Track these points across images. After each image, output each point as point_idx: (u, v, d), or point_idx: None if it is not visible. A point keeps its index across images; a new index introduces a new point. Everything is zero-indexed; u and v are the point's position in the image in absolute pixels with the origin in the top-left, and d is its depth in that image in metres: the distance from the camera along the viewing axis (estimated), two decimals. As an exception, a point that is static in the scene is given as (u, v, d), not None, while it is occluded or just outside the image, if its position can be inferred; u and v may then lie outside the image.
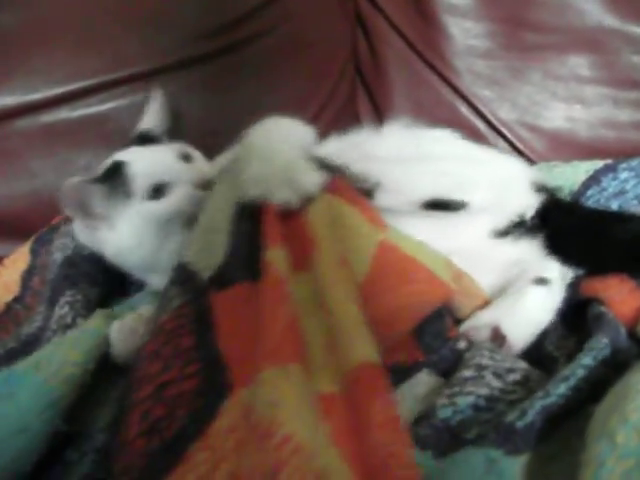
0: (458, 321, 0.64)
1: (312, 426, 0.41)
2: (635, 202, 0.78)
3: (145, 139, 0.79)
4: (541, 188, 0.73)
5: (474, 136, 1.08)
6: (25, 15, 0.92)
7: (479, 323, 0.62)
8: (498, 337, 0.60)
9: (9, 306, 0.78)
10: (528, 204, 0.71)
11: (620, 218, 0.72)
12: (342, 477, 0.39)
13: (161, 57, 0.96)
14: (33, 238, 0.84)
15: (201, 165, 0.76)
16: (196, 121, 0.94)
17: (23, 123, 0.93)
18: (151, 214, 0.70)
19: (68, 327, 0.66)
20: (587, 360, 0.51)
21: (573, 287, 0.67)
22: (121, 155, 0.74)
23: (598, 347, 0.53)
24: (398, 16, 1.11)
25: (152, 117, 0.82)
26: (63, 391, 0.53)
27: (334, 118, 1.09)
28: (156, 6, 0.96)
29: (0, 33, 0.92)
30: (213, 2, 0.99)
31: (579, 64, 1.07)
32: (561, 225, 0.71)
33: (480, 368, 0.54)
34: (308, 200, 0.59)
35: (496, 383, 0.52)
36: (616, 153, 0.94)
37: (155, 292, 0.70)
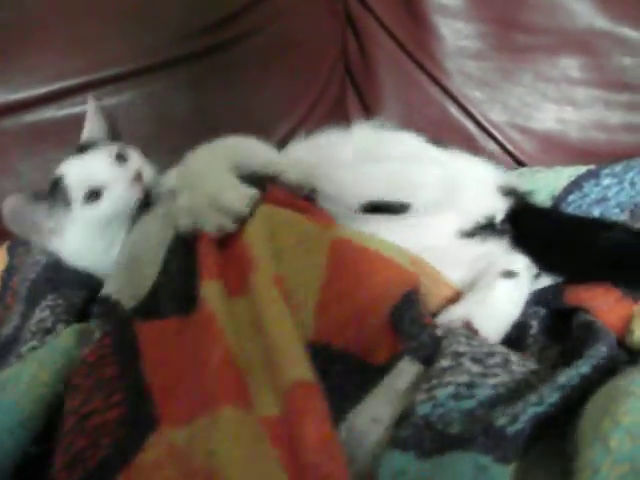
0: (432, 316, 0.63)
1: (252, 463, 0.41)
2: (617, 210, 0.77)
3: (82, 150, 0.80)
4: (510, 192, 0.73)
5: (464, 138, 1.09)
6: (10, 15, 0.92)
7: (451, 317, 0.61)
8: (470, 331, 0.59)
9: (-11, 307, 0.77)
10: (495, 207, 0.71)
11: (601, 225, 0.71)
12: None
13: (148, 56, 0.95)
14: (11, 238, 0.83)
15: (135, 163, 0.77)
16: (182, 122, 0.94)
17: (8, 122, 0.92)
18: (90, 219, 0.73)
19: (48, 331, 0.65)
20: (585, 369, 0.50)
21: (555, 295, 0.66)
22: (60, 169, 0.77)
23: (598, 356, 0.52)
24: (388, 16, 1.11)
25: (90, 126, 0.84)
26: (32, 411, 0.52)
27: (324, 118, 1.09)
28: (143, 5, 0.95)
29: (-14, 33, 0.91)
30: (200, 1, 0.98)
31: (570, 66, 1.07)
32: (534, 230, 0.71)
33: (457, 355, 0.52)
34: (243, 220, 0.59)
35: (476, 368, 0.51)
36: (607, 155, 0.95)
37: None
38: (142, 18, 0.95)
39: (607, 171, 0.80)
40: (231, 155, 0.70)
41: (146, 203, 0.74)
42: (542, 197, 0.80)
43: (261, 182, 0.65)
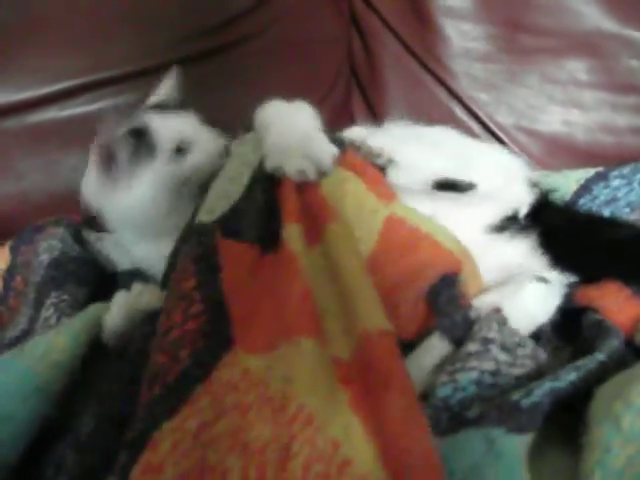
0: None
1: (326, 397, 0.42)
2: (627, 210, 0.78)
3: (160, 109, 0.79)
4: (535, 185, 0.74)
5: (470, 140, 1.08)
6: (13, 15, 0.92)
7: (481, 304, 0.61)
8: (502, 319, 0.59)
9: (-8, 307, 0.77)
10: (524, 199, 0.71)
11: (612, 223, 0.72)
12: (355, 445, 0.39)
13: (149, 58, 0.95)
14: (13, 237, 0.83)
15: (216, 132, 0.77)
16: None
17: (10, 123, 0.93)
18: (170, 174, 0.72)
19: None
20: (601, 356, 0.51)
21: (566, 295, 0.66)
22: (142, 120, 0.74)
23: (612, 346, 0.53)
24: (394, 17, 1.11)
25: (166, 89, 0.82)
26: (49, 376, 0.52)
27: (329, 120, 1.07)
28: (145, 7, 0.95)
29: (-13, 34, 0.91)
30: (203, 3, 0.98)
31: (577, 68, 1.06)
32: (554, 227, 0.71)
33: (486, 342, 0.52)
34: (323, 173, 0.59)
35: (504, 357, 0.51)
36: (613, 158, 0.94)
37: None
38: (144, 20, 0.95)
39: (616, 173, 0.80)
40: (310, 114, 0.69)
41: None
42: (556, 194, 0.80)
43: (341, 144, 0.65)
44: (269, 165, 0.59)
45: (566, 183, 0.82)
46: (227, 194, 0.59)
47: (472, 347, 0.52)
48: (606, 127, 1.06)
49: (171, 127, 0.73)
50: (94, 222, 0.78)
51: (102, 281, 0.76)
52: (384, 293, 0.52)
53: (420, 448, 0.39)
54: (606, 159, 0.94)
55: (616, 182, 0.79)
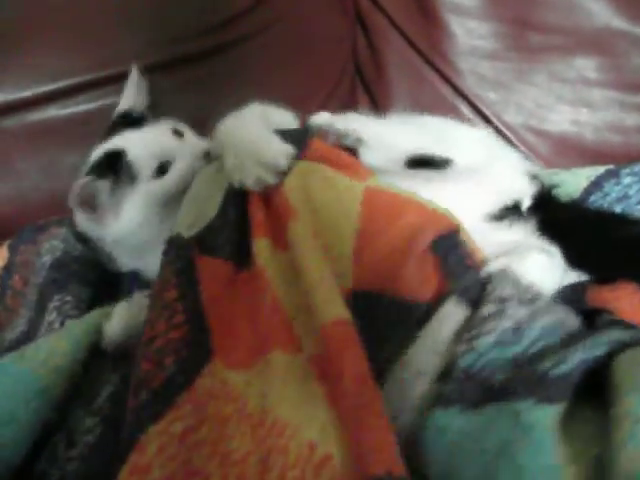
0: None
1: (300, 403, 0.44)
2: (639, 207, 0.76)
3: (128, 120, 0.78)
4: (535, 177, 0.73)
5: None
6: (13, 13, 0.92)
7: (488, 269, 0.59)
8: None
9: (-12, 307, 0.77)
10: (524, 190, 0.70)
11: (624, 220, 0.71)
12: (333, 440, 0.42)
13: (150, 56, 0.94)
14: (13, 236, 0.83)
15: (191, 138, 0.77)
16: (185, 122, 0.92)
17: (10, 121, 0.92)
18: (155, 192, 0.71)
19: None
20: (634, 332, 0.49)
21: (577, 295, 0.64)
22: (114, 142, 0.73)
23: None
24: (399, 14, 1.09)
25: (131, 96, 0.81)
26: (51, 380, 0.53)
27: (333, 118, 1.07)
28: (144, 5, 0.95)
29: (-13, 32, 0.91)
30: (202, 2, 0.97)
31: (586, 66, 1.05)
32: (558, 222, 0.70)
33: (503, 301, 0.50)
34: (282, 174, 0.60)
35: (523, 312, 0.49)
36: (622, 157, 0.93)
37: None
38: (145, 18, 0.95)
39: (627, 170, 0.79)
40: (264, 115, 0.72)
41: None
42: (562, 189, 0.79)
43: (307, 132, 0.67)
44: (234, 182, 0.60)
45: (575, 180, 0.81)
46: (204, 212, 0.61)
47: (488, 309, 0.50)
48: (615, 126, 1.04)
49: (148, 148, 0.72)
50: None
51: (105, 281, 0.76)
52: (382, 261, 0.55)
53: (372, 436, 0.41)
54: (614, 159, 0.92)
55: (628, 179, 0.78)
